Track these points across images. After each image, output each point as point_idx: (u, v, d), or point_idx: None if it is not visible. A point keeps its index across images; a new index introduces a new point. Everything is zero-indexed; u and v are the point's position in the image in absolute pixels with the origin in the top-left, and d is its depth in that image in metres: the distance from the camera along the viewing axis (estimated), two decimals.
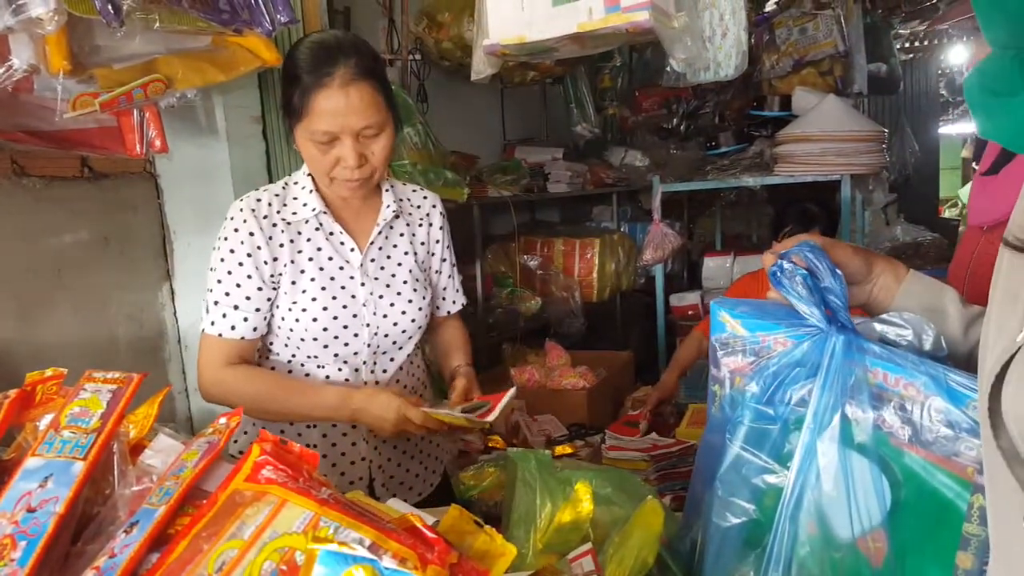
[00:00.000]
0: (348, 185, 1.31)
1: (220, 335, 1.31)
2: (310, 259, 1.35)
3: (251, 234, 1.31)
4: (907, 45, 6.72)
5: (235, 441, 0.85)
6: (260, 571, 0.50)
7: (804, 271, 0.72)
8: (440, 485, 1.56)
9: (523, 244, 3.59)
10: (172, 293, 2.31)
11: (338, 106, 1.22)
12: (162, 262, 2.29)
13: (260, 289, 1.32)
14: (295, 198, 1.37)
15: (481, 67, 1.93)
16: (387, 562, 0.47)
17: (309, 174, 1.38)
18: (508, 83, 3.72)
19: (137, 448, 0.70)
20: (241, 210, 1.33)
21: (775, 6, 3.88)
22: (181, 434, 0.76)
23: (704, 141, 3.82)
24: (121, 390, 0.67)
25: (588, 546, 0.76)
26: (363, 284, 1.38)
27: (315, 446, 1.40)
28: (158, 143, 1.82)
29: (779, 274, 0.74)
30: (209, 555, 0.52)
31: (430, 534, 0.53)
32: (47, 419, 0.66)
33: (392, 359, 1.44)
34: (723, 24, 1.57)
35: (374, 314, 1.38)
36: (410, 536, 0.52)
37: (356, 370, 1.39)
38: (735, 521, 0.75)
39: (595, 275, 3.59)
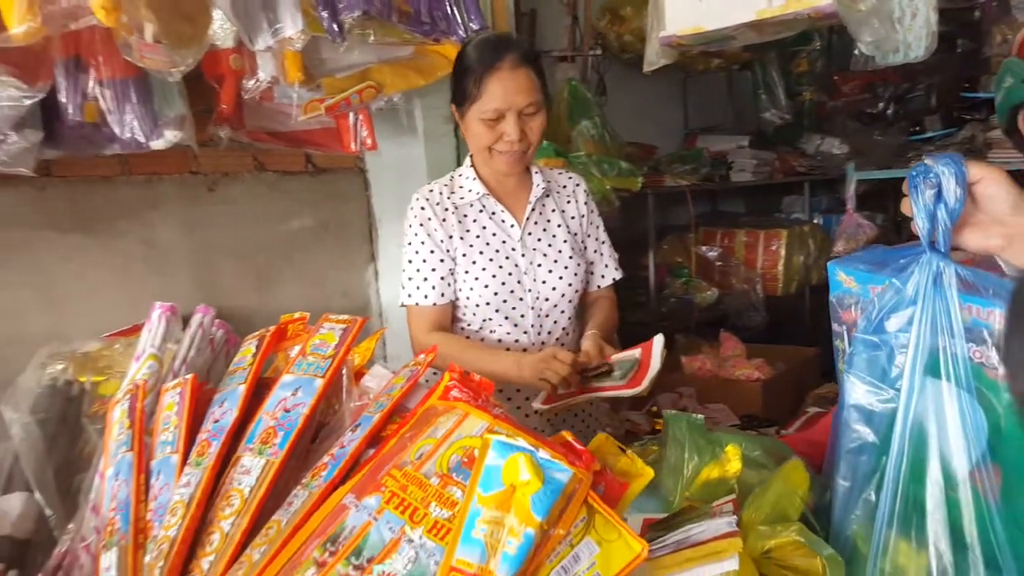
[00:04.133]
0: (507, 158, 1.49)
1: (418, 304, 1.55)
2: (477, 236, 1.56)
3: (428, 218, 1.55)
4: None
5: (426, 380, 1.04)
6: (448, 460, 0.65)
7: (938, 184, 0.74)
8: None
9: (702, 235, 3.55)
10: (376, 273, 2.62)
11: (507, 86, 1.43)
12: (368, 246, 2.61)
13: (443, 261, 1.54)
14: (461, 186, 1.59)
15: (654, 58, 1.97)
16: (543, 454, 0.59)
17: (472, 165, 1.59)
18: (691, 71, 3.68)
19: (358, 374, 0.90)
20: (417, 198, 1.58)
21: None
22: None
23: (907, 126, 3.52)
24: (349, 328, 0.89)
25: (732, 496, 0.82)
26: (523, 255, 1.57)
27: None
28: (369, 141, 2.10)
29: (917, 177, 0.75)
30: (411, 448, 0.68)
31: (578, 446, 0.65)
32: (296, 348, 0.88)
33: (555, 321, 1.60)
34: (913, 4, 1.49)
35: (534, 280, 1.56)
36: (561, 447, 0.64)
37: (525, 332, 1.57)
38: (852, 446, 0.79)
39: (780, 268, 3.47)
